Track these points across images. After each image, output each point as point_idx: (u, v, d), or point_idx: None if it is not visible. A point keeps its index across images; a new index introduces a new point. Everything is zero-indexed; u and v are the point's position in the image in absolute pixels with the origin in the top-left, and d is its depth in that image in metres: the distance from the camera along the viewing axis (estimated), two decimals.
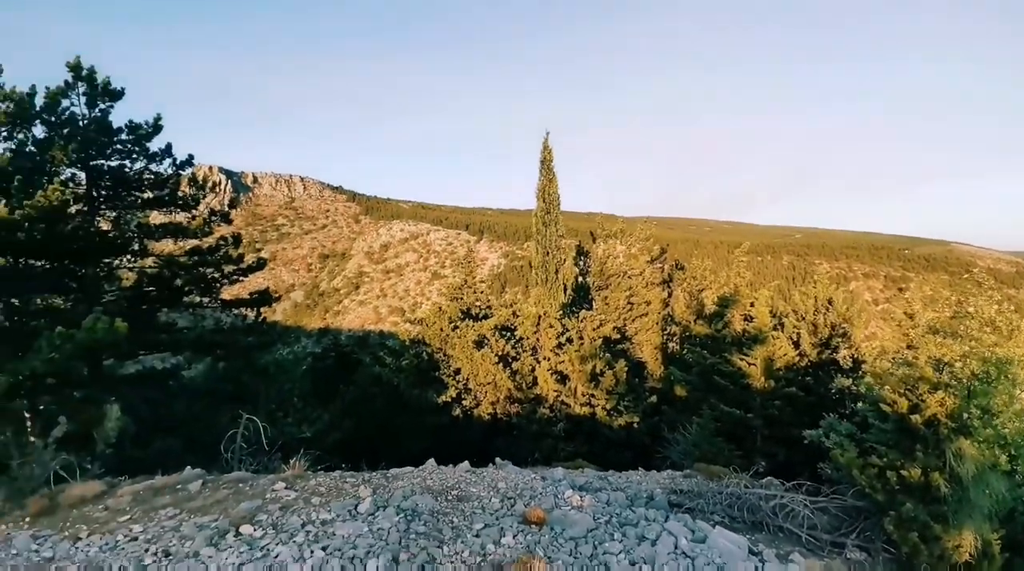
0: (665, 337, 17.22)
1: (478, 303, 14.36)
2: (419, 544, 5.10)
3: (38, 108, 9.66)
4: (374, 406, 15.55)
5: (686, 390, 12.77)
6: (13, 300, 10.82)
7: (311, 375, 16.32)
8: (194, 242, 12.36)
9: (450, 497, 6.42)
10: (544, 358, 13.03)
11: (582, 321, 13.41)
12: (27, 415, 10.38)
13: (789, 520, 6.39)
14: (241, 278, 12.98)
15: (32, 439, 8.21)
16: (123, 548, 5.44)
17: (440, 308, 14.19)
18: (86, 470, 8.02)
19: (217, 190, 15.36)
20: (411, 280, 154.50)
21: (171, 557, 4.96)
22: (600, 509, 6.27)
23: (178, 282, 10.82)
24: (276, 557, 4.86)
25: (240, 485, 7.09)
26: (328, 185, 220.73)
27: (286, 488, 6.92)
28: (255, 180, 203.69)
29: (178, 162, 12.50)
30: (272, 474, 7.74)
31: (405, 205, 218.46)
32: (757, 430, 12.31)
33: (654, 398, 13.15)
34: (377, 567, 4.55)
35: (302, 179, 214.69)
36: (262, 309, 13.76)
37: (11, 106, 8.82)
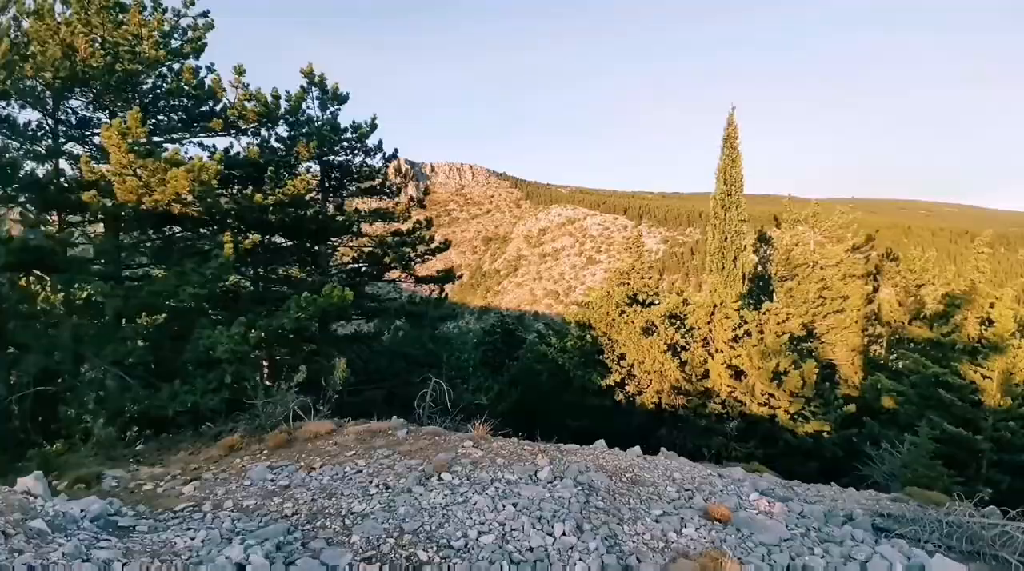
0: (867, 338, 14.96)
1: (646, 289, 14.04)
2: (600, 518, 5.27)
3: (283, 110, 11.72)
4: (538, 381, 16.29)
5: (896, 402, 11.01)
6: (259, 269, 13.57)
7: (482, 348, 17.67)
8: (396, 225, 14.16)
9: (624, 479, 6.49)
10: (717, 350, 12.29)
11: (764, 314, 12.30)
12: (264, 363, 13.00)
13: (1006, 548, 5.48)
14: (430, 257, 14.53)
15: (269, 384, 10.28)
16: (351, 479, 6.52)
17: (608, 292, 14.19)
18: (318, 411, 9.80)
19: (409, 179, 17.15)
20: (566, 264, 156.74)
21: (390, 490, 5.85)
22: (794, 520, 5.82)
23: (387, 259, 12.47)
24: (474, 504, 5.44)
25: (436, 438, 8.06)
26: (493, 172, 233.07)
27: (473, 446, 7.68)
28: (432, 169, 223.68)
29: (386, 156, 14.39)
30: (459, 433, 8.66)
31: (563, 190, 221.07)
32: (984, 454, 10.17)
33: (851, 407, 11.57)
34: (563, 531, 4.83)
35: (471, 167, 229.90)
36: (444, 286, 15.29)
37: (260, 106, 10.84)
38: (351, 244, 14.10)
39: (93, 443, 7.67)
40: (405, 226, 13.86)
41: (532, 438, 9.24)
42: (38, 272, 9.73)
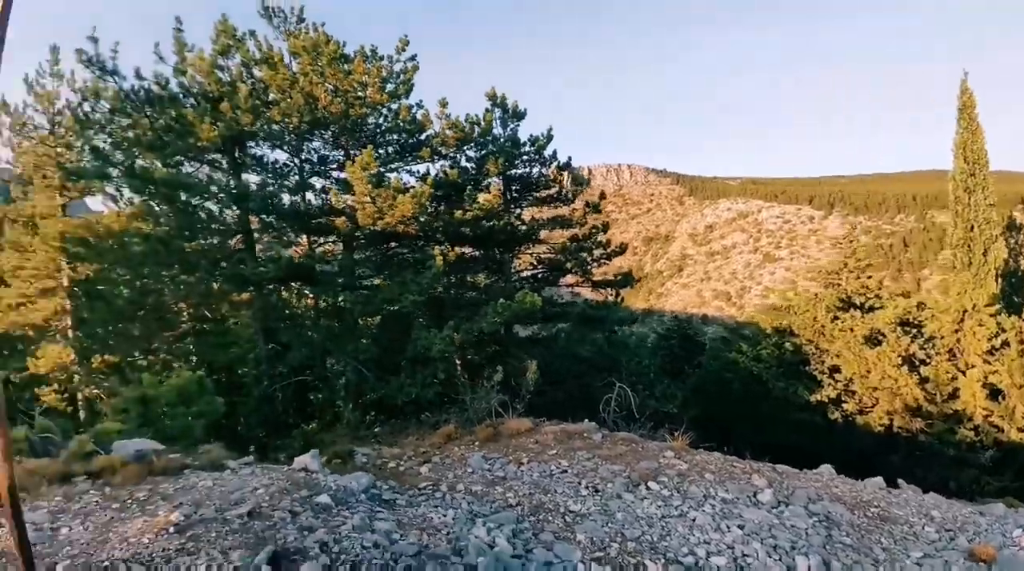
0: None
1: (864, 291, 12.19)
2: (849, 556, 4.74)
3: (476, 133, 12.75)
4: (728, 390, 15.25)
5: None
6: (451, 278, 14.95)
7: (660, 353, 17.16)
8: (572, 231, 14.52)
9: (869, 514, 5.76)
10: (969, 365, 10.13)
11: None
12: (457, 362, 14.23)
13: None
14: (606, 261, 14.59)
15: (467, 381, 11.23)
16: (558, 477, 6.83)
17: (816, 295, 12.67)
18: (515, 409, 10.48)
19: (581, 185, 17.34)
20: (738, 262, 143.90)
21: (600, 493, 6.00)
22: None
23: (568, 265, 12.86)
24: (693, 520, 5.30)
25: (633, 445, 8.04)
26: (652, 169, 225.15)
27: (675, 457, 7.49)
28: (589, 172, 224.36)
29: (560, 165, 14.87)
30: (656, 441, 8.53)
31: (732, 182, 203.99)
32: None
33: None
34: (809, 566, 4.44)
35: (628, 167, 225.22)
36: (620, 289, 15.20)
37: (458, 132, 11.92)
38: (529, 251, 14.81)
39: (344, 425, 9.23)
40: (581, 231, 14.13)
41: (725, 451, 8.74)
42: (295, 284, 12.09)
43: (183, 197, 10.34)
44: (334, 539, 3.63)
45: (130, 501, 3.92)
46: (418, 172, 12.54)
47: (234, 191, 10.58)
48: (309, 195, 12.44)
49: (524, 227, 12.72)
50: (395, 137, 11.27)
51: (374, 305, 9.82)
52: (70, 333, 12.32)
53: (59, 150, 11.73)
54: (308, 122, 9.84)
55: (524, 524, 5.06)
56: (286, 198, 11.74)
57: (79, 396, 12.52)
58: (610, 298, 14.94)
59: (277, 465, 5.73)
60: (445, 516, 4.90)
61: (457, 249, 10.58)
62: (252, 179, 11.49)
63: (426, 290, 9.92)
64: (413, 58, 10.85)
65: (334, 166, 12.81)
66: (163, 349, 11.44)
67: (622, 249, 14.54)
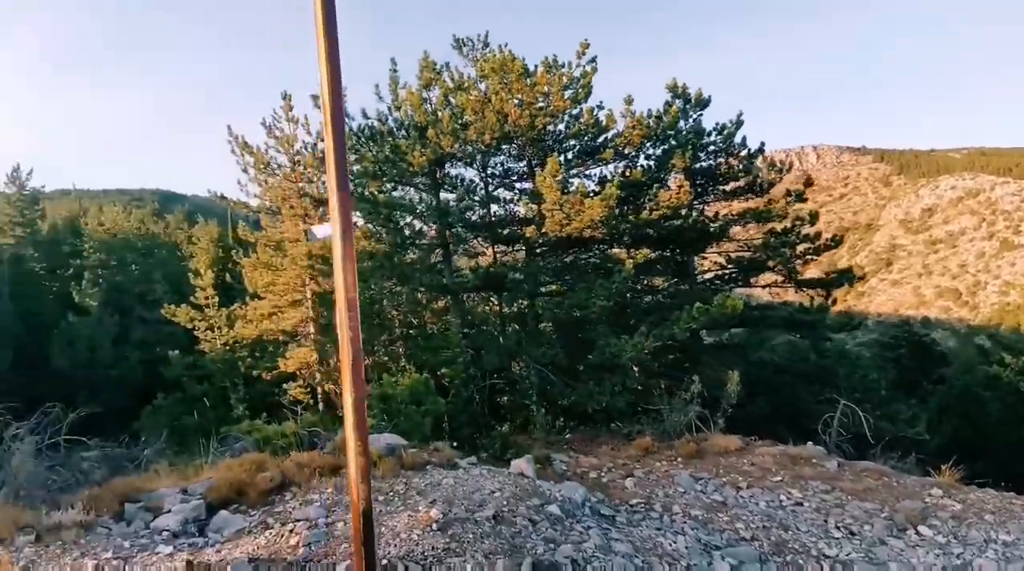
0: None
1: None
2: None
3: (659, 127, 12.11)
4: (983, 412, 12.23)
5: None
6: (635, 282, 14.43)
7: (889, 365, 14.45)
8: (770, 225, 13.00)
9: None
10: None
11: None
12: (635, 369, 13.61)
13: None
14: (814, 257, 12.75)
15: (663, 390, 10.61)
16: (793, 511, 5.96)
17: None
18: (714, 423, 9.65)
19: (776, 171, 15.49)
20: (969, 252, 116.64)
21: (857, 536, 5.08)
22: None
23: (770, 263, 11.56)
24: (979, 569, 4.19)
25: (885, 479, 6.77)
26: (847, 147, 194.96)
27: (944, 495, 6.10)
28: (764, 159, 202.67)
29: (751, 152, 13.44)
30: (914, 476, 7.10)
31: (956, 155, 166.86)
32: None
33: None
34: None
35: (815, 148, 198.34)
36: (831, 290, 13.14)
37: (643, 130, 11.43)
38: (715, 250, 13.64)
39: (537, 429, 9.43)
40: (782, 225, 12.56)
41: (1001, 485, 7.00)
42: (486, 293, 12.82)
43: (397, 217, 11.63)
44: (583, 557, 3.54)
45: (391, 494, 4.30)
46: (594, 176, 12.41)
47: (435, 209, 11.58)
48: (495, 207, 13.12)
49: (716, 224, 11.72)
50: (575, 142, 11.26)
51: (561, 311, 9.87)
52: (312, 337, 14.73)
53: (300, 185, 14.17)
54: (498, 138, 10.32)
55: (770, 566, 4.46)
56: (476, 211, 12.51)
57: (319, 391, 14.87)
58: (817, 300, 13.03)
59: (498, 467, 5.97)
60: (675, 544, 4.54)
61: (644, 251, 10.11)
62: (449, 197, 12.48)
63: (614, 295, 9.68)
64: (593, 60, 10.75)
65: (514, 178, 13.33)
66: (380, 351, 13.00)
67: (835, 242, 12.61)
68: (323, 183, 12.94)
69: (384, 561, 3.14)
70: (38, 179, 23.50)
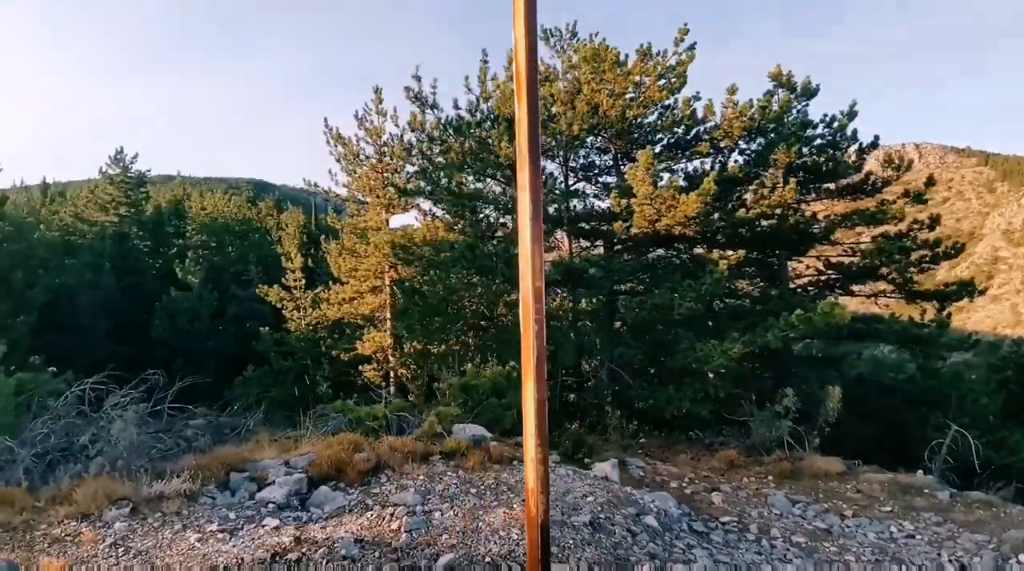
0: None
1: None
2: None
3: (763, 119, 11.28)
4: None
5: None
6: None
7: (999, 389, 12.79)
8: (881, 228, 11.85)
9: None
10: None
11: None
12: (710, 375, 12.85)
13: None
14: (932, 266, 11.48)
15: (754, 402, 9.92)
16: (905, 543, 5.39)
17: None
18: (810, 442, 8.92)
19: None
20: None
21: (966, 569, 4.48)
22: None
23: (883, 270, 10.54)
24: None
25: (994, 509, 6.06)
26: (952, 148, 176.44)
27: None
28: (858, 155, 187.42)
29: (862, 146, 12.28)
30: (1018, 505, 6.27)
31: None
32: None
33: None
34: None
35: (917, 146, 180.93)
36: (946, 303, 11.77)
37: (747, 121, 10.68)
38: (814, 254, 12.61)
39: (609, 430, 9.11)
40: (896, 228, 11.39)
41: None
42: (561, 288, 12.60)
43: (479, 209, 11.65)
44: None
45: (483, 488, 4.20)
46: (680, 171, 11.80)
47: (513, 201, 11.49)
48: (574, 201, 12.83)
49: (820, 225, 10.81)
50: (666, 135, 10.74)
51: (644, 310, 9.46)
52: (388, 323, 15.16)
53: (385, 175, 14.56)
54: (586, 129, 10.03)
55: None
56: (556, 206, 12.28)
57: (391, 375, 15.30)
58: (929, 313, 11.73)
59: (581, 468, 5.77)
60: None
61: (740, 252, 9.47)
62: None
63: (703, 297, 9.14)
64: (691, 47, 10.17)
65: (596, 171, 12.97)
66: (451, 339, 13.14)
67: (956, 250, 11.25)
68: (407, 174, 13.20)
69: (487, 559, 3.03)
70: (142, 164, 25.68)
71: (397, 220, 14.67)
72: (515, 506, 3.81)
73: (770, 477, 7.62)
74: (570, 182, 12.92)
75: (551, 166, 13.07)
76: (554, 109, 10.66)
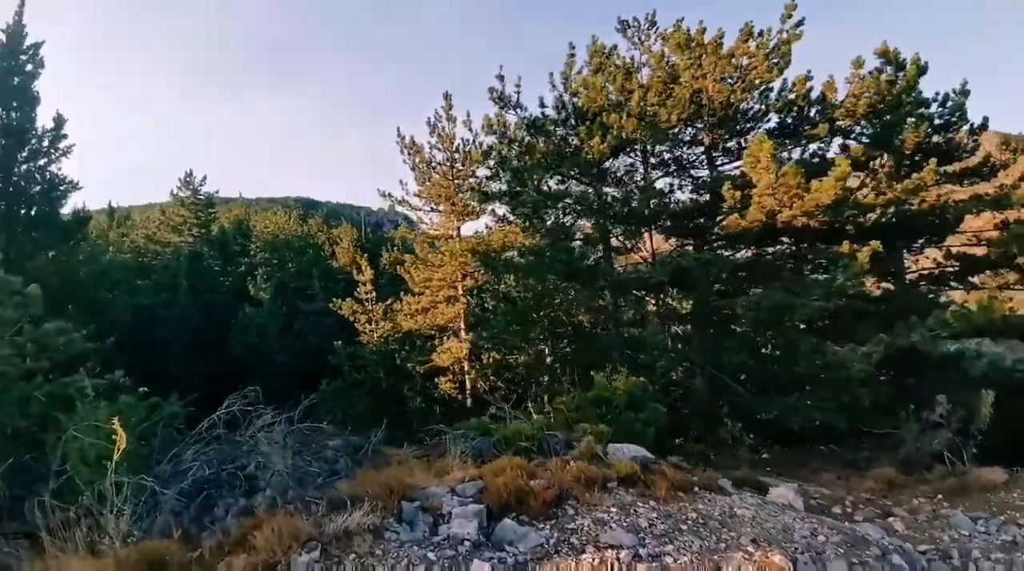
0: None
1: None
2: None
3: (891, 96, 10.29)
4: None
5: None
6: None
7: None
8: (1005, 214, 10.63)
9: None
10: None
11: None
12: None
13: None
14: None
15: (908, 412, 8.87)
16: None
17: None
18: (967, 452, 7.87)
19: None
20: None
21: None
22: None
23: (1020, 260, 9.37)
24: None
25: None
26: None
27: None
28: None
29: (973, 127, 11.16)
30: None
31: None
32: None
33: None
34: None
35: None
36: None
37: (872, 98, 9.75)
38: (937, 244, 11.44)
39: (740, 446, 8.31)
40: (1016, 214, 10.19)
41: None
42: (652, 291, 11.87)
43: (559, 211, 11.11)
44: None
45: (691, 523, 3.58)
46: (788, 159, 10.90)
47: (598, 201, 10.89)
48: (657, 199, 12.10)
49: (951, 211, 9.74)
50: (775, 118, 9.93)
51: (760, 312, 8.63)
52: (462, 334, 14.76)
53: (457, 182, 14.26)
54: (685, 118, 9.35)
55: None
56: (644, 202, 11.59)
57: (467, 386, 14.87)
58: None
59: (757, 494, 5.05)
60: None
61: (874, 243, 8.49)
62: (609, 190, 11.71)
63: (833, 295, 8.25)
64: (799, 24, 9.35)
65: (679, 166, 12.23)
66: (536, 348, 12.60)
67: None
68: (480, 178, 12.76)
69: None
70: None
71: (467, 228, 14.31)
72: (752, 550, 3.17)
73: (940, 495, 6.71)
74: (652, 178, 12.25)
75: (627, 161, 12.39)
76: (633, 100, 9.93)
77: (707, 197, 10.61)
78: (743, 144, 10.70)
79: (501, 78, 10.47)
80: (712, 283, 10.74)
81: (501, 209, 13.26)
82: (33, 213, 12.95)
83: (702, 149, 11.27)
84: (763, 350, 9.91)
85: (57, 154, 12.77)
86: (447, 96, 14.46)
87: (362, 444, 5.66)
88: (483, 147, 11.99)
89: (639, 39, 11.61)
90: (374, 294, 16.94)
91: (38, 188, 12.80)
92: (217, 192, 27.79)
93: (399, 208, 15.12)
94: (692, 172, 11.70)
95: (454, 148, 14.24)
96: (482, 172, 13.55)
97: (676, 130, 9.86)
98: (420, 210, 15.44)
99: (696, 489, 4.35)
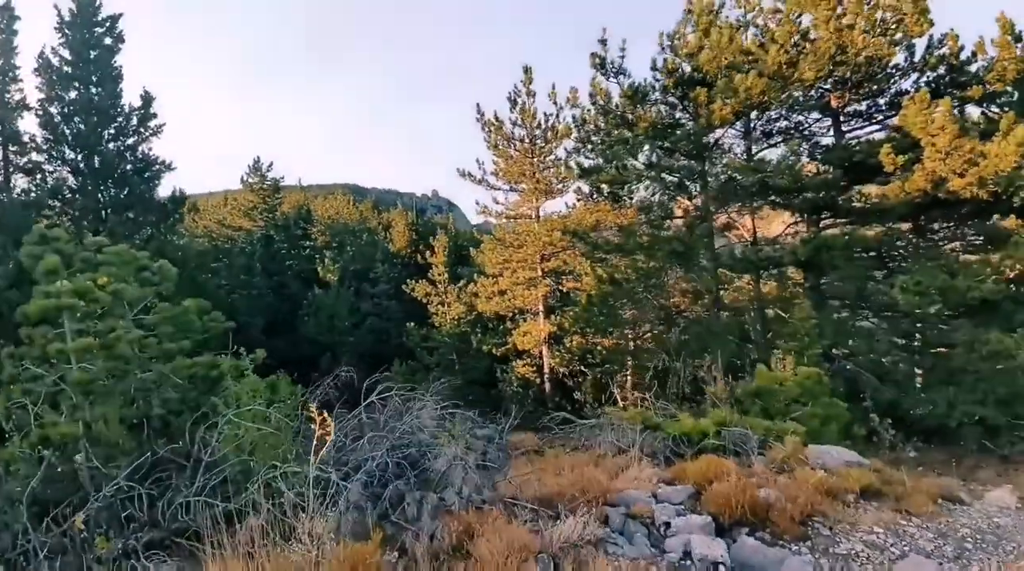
0: None
1: None
2: None
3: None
4: None
5: None
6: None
7: None
8: None
9: None
10: None
11: None
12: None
13: None
14: None
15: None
16: None
17: None
18: None
19: None
20: None
21: None
22: None
23: None
24: None
25: None
26: None
27: None
28: None
29: None
30: None
31: None
32: None
33: None
34: None
35: None
36: None
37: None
38: None
39: (884, 443, 7.44)
40: None
41: None
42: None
43: (657, 185, 10.31)
44: None
45: (971, 539, 2.89)
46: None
47: (702, 175, 10.03)
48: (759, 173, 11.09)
49: None
50: (921, 76, 8.76)
51: (914, 295, 7.64)
52: (541, 317, 14.23)
53: (537, 160, 13.63)
54: (822, 77, 8.35)
55: None
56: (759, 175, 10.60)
57: (546, 370, 14.38)
58: None
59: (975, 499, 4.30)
60: None
61: None
62: (717, 163, 10.79)
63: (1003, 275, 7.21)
64: None
65: (788, 134, 11.14)
66: (619, 332, 11.93)
67: None
68: (567, 151, 11.97)
69: None
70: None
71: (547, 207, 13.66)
72: None
73: None
74: (762, 147, 11.26)
75: (731, 134, 11.37)
76: (770, 58, 8.90)
77: (831, 169, 9.54)
78: (875, 106, 9.59)
79: (603, 42, 9.68)
80: (855, 263, 9.63)
81: (586, 186, 12.56)
82: (125, 194, 13.00)
83: (817, 116, 10.20)
84: (912, 339, 8.84)
85: (147, 133, 12.76)
86: (527, 70, 13.73)
87: (491, 435, 5.22)
88: (565, 122, 11.26)
89: None
90: (447, 276, 16.63)
91: (129, 166, 12.78)
92: (283, 178, 28.24)
93: (479, 187, 14.58)
94: (815, 140, 10.62)
95: (535, 124, 13.56)
96: (568, 146, 12.85)
97: (810, 90, 8.85)
98: (498, 189, 14.88)
99: (940, 500, 3.65)
